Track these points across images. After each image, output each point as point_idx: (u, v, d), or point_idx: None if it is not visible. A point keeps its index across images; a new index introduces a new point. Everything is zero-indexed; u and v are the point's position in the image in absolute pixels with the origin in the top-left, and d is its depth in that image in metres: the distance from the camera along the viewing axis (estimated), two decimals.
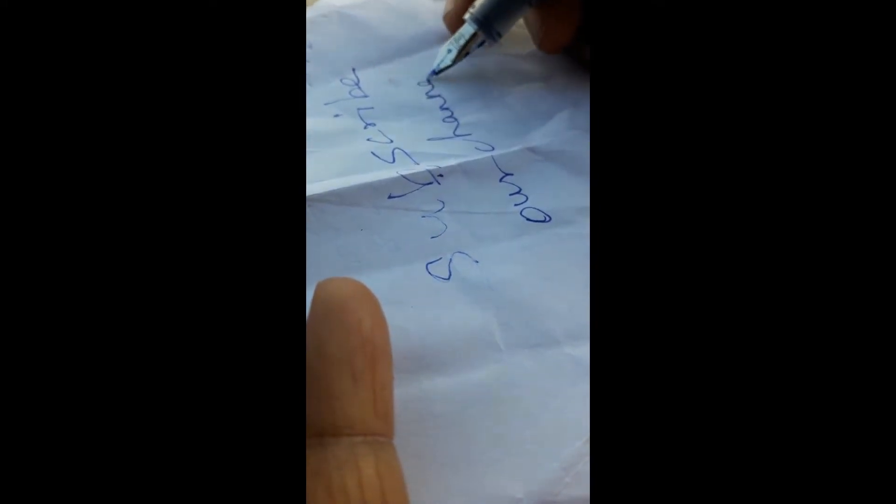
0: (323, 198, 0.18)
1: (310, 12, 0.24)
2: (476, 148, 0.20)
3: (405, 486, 0.12)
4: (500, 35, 0.23)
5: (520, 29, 0.25)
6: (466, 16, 0.23)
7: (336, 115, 0.21)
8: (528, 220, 0.18)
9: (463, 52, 0.23)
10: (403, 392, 0.15)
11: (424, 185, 0.19)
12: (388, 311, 0.14)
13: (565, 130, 0.20)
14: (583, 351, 0.16)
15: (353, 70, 0.23)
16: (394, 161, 0.20)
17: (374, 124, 0.21)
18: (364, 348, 0.12)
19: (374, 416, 0.12)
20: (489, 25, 0.22)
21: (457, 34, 0.23)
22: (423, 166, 0.19)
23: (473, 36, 0.22)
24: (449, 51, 0.23)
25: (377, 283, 0.17)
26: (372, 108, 0.22)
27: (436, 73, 0.23)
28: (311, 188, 0.18)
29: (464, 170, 0.19)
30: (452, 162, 0.19)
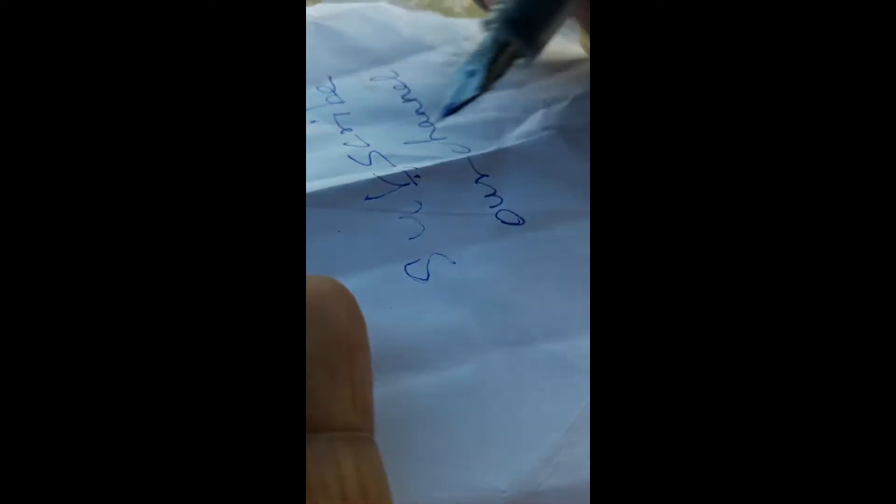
0: None
1: None
2: (452, 150, 0.20)
3: (386, 479, 0.12)
4: (539, 50, 0.15)
5: None
6: (490, 16, 0.15)
7: (312, 122, 0.21)
8: (503, 222, 0.19)
9: (494, 73, 0.15)
10: (386, 390, 0.15)
11: (401, 186, 0.19)
12: (367, 311, 0.14)
13: (538, 131, 0.21)
14: (558, 347, 0.16)
15: (330, 79, 0.23)
16: (370, 164, 0.20)
17: (351, 129, 0.21)
18: (341, 344, 0.13)
19: (352, 410, 0.12)
20: (528, 33, 0.15)
21: (480, 47, 0.15)
22: (400, 168, 0.19)
23: (506, 47, 0.15)
24: (470, 74, 0.15)
25: (356, 284, 0.17)
26: (348, 113, 0.22)
27: (452, 109, 0.16)
28: None
29: (440, 171, 0.19)
30: (429, 163, 0.19)
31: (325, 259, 0.18)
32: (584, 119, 0.21)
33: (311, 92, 0.22)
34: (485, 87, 0.15)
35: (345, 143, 0.21)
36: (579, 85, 0.23)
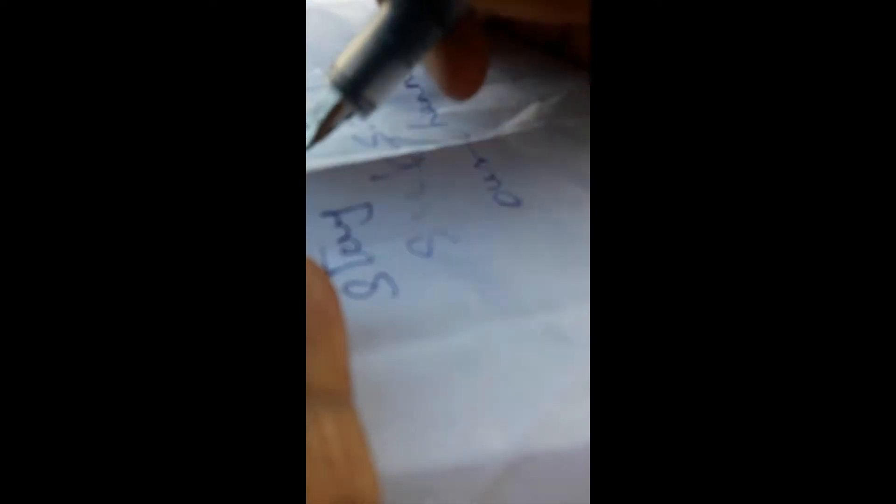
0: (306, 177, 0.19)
1: None
2: (452, 136, 0.21)
3: (366, 441, 0.13)
4: (372, 106, 0.18)
5: None
6: (326, 80, 0.18)
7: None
8: (500, 203, 0.20)
9: (325, 128, 0.17)
10: (390, 357, 0.16)
11: (405, 167, 0.20)
12: None
13: (533, 122, 0.22)
14: (552, 318, 0.17)
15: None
16: (375, 145, 0.21)
17: None
18: (316, 315, 0.13)
19: (331, 376, 0.13)
20: (357, 93, 0.17)
21: (316, 104, 0.17)
22: (404, 150, 0.20)
23: (338, 107, 0.17)
24: (307, 126, 0.18)
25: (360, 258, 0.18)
26: None
27: None
28: None
29: (442, 155, 0.20)
30: (432, 147, 0.20)
31: (330, 234, 0.18)
32: (576, 112, 0.22)
33: (315, 73, 0.23)
34: (316, 140, 0.18)
35: (350, 124, 0.21)
36: (572, 81, 0.24)
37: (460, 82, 0.20)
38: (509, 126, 0.22)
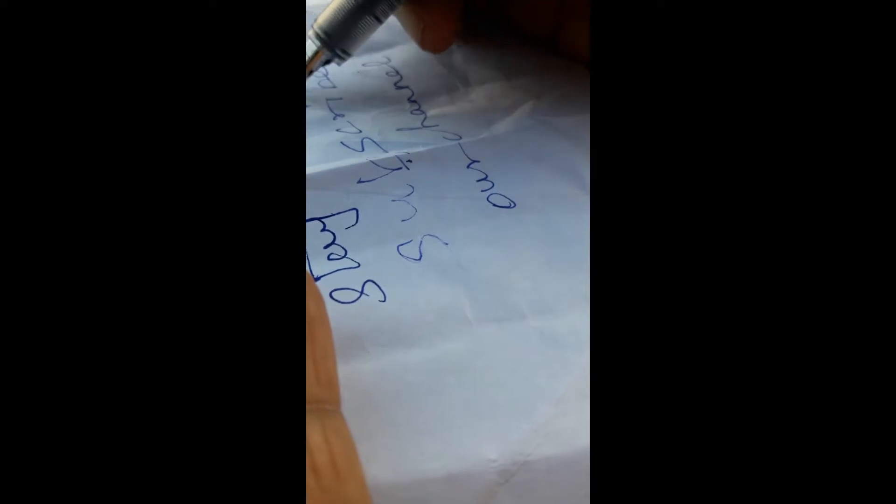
0: None
1: None
2: (444, 137, 0.21)
3: (355, 451, 0.12)
4: (347, 54, 0.21)
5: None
6: (309, 31, 0.21)
7: (306, 105, 0.22)
8: (494, 205, 0.19)
9: (307, 72, 0.21)
10: (379, 364, 0.16)
11: (394, 170, 0.19)
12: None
13: (527, 120, 0.21)
14: (546, 324, 0.17)
15: None
16: (363, 150, 0.20)
17: (343, 115, 0.22)
18: None
19: (316, 384, 0.12)
20: (332, 43, 0.20)
21: None
22: (393, 153, 0.20)
23: (316, 54, 0.20)
24: None
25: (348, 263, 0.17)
26: (341, 98, 0.22)
27: None
28: None
29: (432, 156, 0.20)
30: (421, 149, 0.20)
31: (316, 240, 0.18)
32: (571, 111, 0.22)
33: (309, 80, 0.23)
34: None
35: (337, 130, 0.21)
36: (567, 79, 0.24)
37: (430, 38, 0.22)
38: (503, 125, 0.21)
